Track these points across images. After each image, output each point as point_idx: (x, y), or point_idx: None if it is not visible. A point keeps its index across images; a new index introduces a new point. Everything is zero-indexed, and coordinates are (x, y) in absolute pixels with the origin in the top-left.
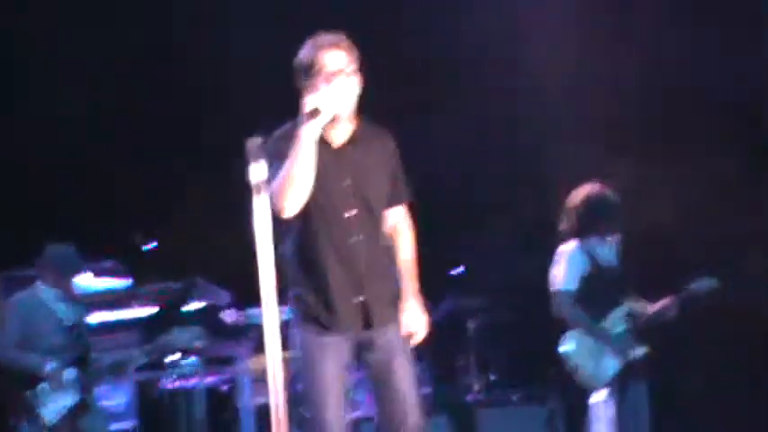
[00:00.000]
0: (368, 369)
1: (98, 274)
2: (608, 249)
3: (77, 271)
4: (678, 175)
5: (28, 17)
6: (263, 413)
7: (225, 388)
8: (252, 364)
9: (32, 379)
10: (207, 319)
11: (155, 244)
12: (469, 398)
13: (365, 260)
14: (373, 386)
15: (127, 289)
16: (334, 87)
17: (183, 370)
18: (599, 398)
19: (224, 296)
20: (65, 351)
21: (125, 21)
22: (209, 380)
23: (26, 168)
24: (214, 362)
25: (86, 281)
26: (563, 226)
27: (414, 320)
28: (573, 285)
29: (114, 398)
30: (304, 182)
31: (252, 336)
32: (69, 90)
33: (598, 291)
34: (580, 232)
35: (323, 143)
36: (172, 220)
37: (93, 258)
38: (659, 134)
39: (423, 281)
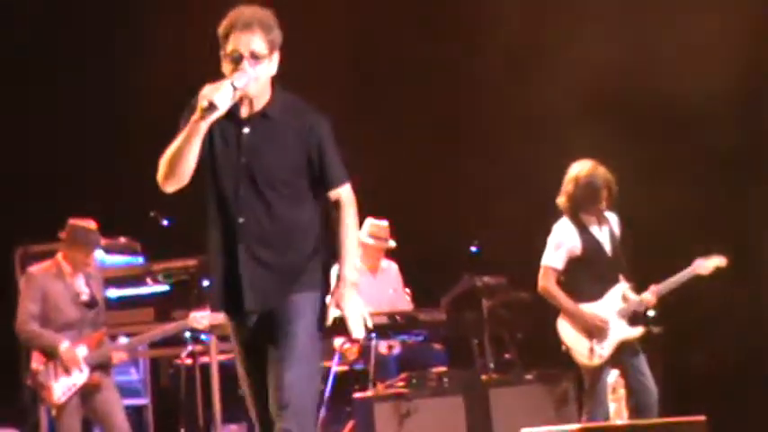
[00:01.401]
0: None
1: (112, 250)
2: (603, 228)
3: (97, 246)
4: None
5: None
6: None
7: None
8: None
9: (48, 354)
10: None
11: (169, 220)
12: (484, 377)
13: (247, 243)
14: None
15: (141, 265)
16: (237, 77)
17: (198, 346)
18: (611, 376)
19: None
20: (81, 326)
21: None
22: (224, 357)
23: (53, 145)
24: (228, 338)
25: (100, 256)
26: (558, 202)
27: (343, 307)
28: (558, 263)
29: (128, 374)
30: (181, 169)
31: None
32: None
33: (590, 270)
34: (571, 210)
35: (230, 114)
36: (187, 197)
37: (108, 234)
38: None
39: (440, 259)
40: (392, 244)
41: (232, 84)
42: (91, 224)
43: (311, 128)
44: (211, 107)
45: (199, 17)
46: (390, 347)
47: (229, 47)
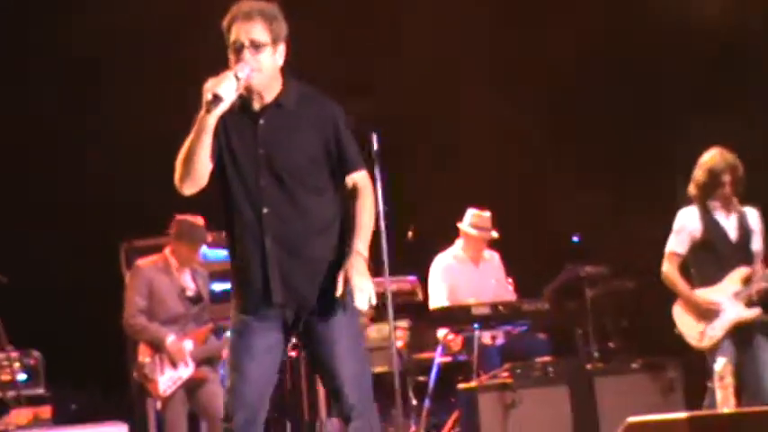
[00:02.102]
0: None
1: (214, 243)
2: (731, 217)
3: (204, 243)
4: None
5: None
6: (387, 381)
7: None
8: (370, 333)
9: (154, 347)
10: None
11: None
12: (588, 366)
13: (273, 234)
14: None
15: None
16: (239, 68)
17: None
18: (719, 363)
19: None
20: (185, 321)
21: None
22: None
23: (145, 140)
24: None
25: (203, 249)
26: (689, 190)
27: (351, 277)
28: (680, 247)
29: None
30: (196, 168)
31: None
32: None
33: (712, 254)
34: (699, 197)
35: (243, 108)
36: None
37: (210, 228)
38: None
39: (543, 248)
40: (495, 234)
41: (234, 74)
42: (198, 220)
43: (326, 116)
44: (216, 99)
45: None
46: (493, 338)
47: (231, 37)
